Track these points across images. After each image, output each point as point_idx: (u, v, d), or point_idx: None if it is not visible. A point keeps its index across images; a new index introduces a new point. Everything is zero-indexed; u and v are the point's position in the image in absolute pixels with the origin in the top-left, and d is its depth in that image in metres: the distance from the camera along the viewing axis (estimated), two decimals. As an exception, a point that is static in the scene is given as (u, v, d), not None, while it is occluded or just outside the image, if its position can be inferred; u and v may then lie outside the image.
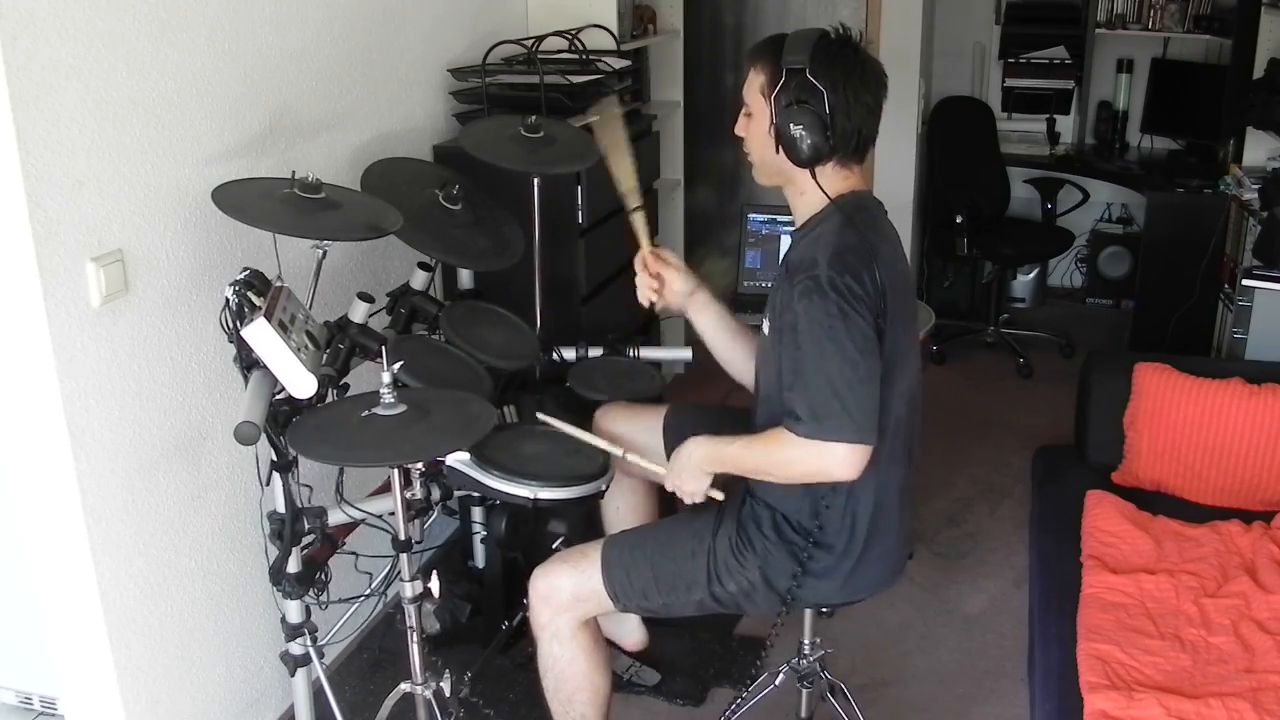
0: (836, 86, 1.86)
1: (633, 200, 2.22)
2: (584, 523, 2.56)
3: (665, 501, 2.48)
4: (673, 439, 2.35)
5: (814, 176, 1.93)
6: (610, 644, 2.43)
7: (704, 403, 2.47)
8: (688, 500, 2.08)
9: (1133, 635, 2.29)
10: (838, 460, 1.83)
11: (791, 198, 2.02)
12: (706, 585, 2.07)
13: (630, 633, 2.65)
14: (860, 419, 1.81)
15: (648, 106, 4.11)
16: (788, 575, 2.03)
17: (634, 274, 2.23)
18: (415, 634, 2.12)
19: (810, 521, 2.00)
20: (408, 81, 3.02)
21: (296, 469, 2.15)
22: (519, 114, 2.81)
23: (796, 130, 1.87)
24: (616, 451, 2.16)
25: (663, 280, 2.21)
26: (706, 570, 2.07)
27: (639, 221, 2.22)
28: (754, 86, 1.95)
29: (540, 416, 2.25)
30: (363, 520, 2.29)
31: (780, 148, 1.91)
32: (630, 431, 2.35)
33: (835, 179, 1.95)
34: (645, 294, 2.22)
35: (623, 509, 2.48)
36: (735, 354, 2.25)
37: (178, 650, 2.32)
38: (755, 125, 1.96)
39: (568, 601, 2.11)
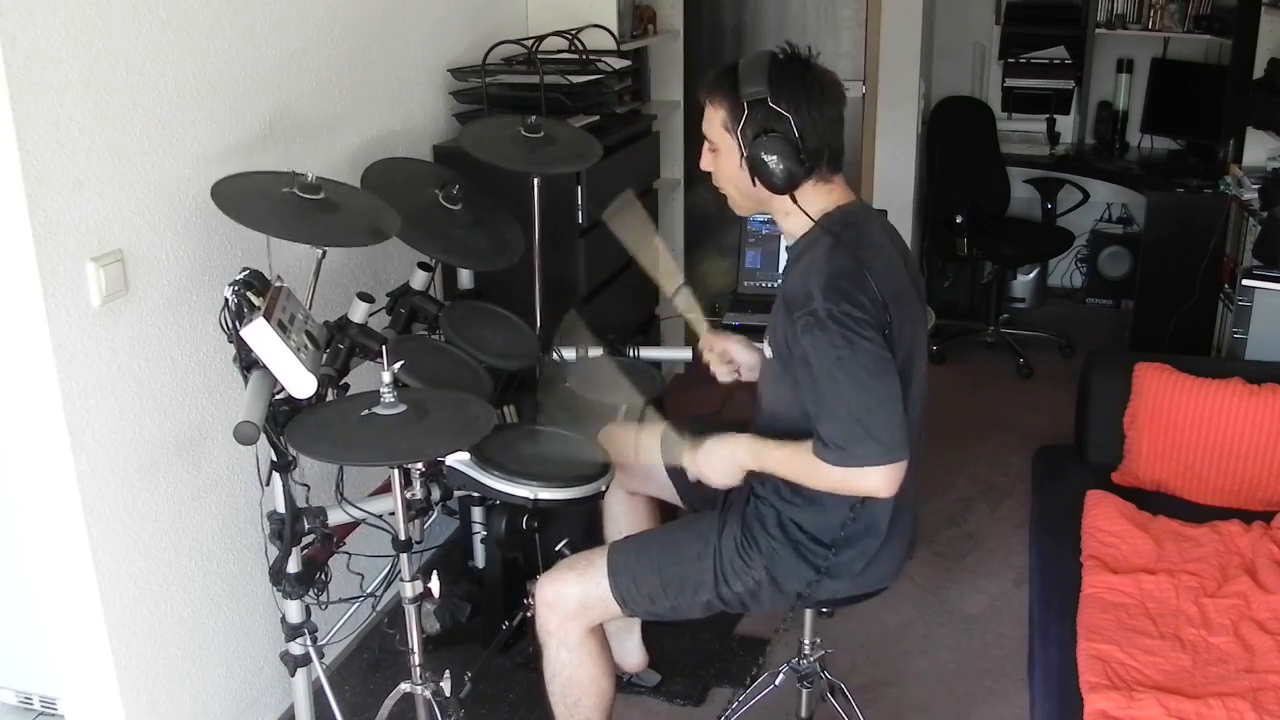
0: (800, 108, 1.85)
1: (672, 282, 2.18)
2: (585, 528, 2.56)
3: (666, 504, 2.48)
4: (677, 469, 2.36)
5: (794, 200, 1.92)
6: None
7: (699, 415, 2.46)
8: (710, 484, 2.05)
9: (1133, 635, 2.29)
10: (874, 482, 1.84)
11: (779, 220, 2.00)
12: (714, 587, 2.07)
13: (630, 653, 2.65)
14: (887, 440, 1.82)
15: (648, 106, 4.11)
16: (796, 575, 2.03)
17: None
18: (415, 634, 2.12)
19: (836, 534, 2.00)
20: (408, 81, 3.02)
21: (297, 469, 2.15)
22: (519, 114, 2.81)
23: (770, 159, 1.86)
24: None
25: (730, 355, 2.21)
26: (713, 572, 2.07)
27: (686, 303, 2.18)
28: (715, 122, 1.93)
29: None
30: (363, 520, 2.29)
31: (756, 179, 1.90)
32: (632, 445, 2.35)
33: (817, 196, 1.94)
34: (725, 373, 2.22)
35: (624, 513, 2.48)
36: None
37: (178, 650, 2.32)
38: (724, 160, 1.95)
39: (575, 609, 2.11)
